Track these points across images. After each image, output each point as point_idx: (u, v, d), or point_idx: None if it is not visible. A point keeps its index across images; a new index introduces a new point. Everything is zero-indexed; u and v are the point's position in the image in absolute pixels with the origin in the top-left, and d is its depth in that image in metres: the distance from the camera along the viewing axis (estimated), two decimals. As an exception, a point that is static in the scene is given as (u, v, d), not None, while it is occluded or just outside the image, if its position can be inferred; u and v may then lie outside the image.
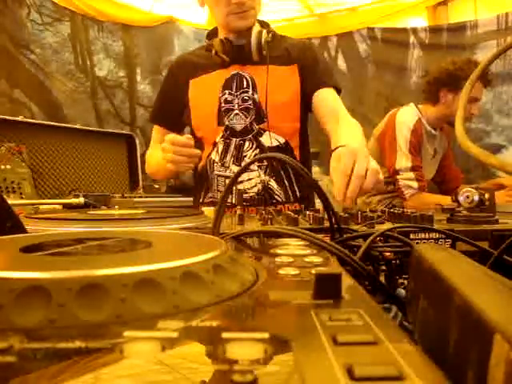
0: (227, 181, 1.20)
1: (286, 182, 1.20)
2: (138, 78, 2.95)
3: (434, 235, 0.49)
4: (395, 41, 3.02)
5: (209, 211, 0.82)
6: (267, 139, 1.17)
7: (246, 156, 1.18)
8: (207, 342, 0.16)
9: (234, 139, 1.19)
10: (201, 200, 1.28)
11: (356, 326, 0.17)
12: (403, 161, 1.76)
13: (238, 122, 1.18)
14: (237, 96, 1.18)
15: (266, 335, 0.16)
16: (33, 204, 1.01)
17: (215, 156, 1.22)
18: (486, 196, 0.63)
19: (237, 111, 1.18)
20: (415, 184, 1.74)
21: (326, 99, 1.15)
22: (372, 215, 0.61)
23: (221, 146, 1.20)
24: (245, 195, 1.17)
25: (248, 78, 1.18)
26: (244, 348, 0.15)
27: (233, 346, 0.15)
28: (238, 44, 1.16)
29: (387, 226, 0.54)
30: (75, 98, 2.67)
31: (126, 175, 2.04)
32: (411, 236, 0.48)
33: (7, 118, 1.65)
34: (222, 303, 0.21)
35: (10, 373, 0.13)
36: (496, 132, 2.72)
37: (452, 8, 2.97)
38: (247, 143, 1.18)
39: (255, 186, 1.17)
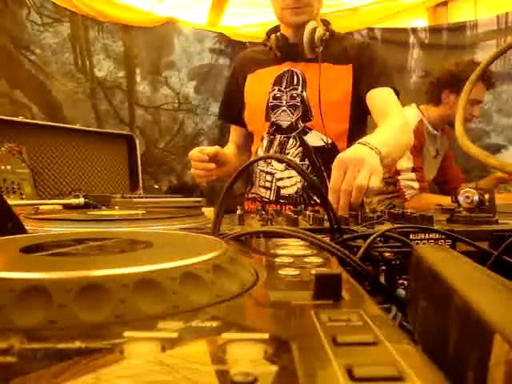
0: (268, 177, 1.20)
1: (327, 183, 1.19)
2: (138, 78, 2.95)
3: (433, 236, 0.49)
4: (395, 41, 3.02)
5: (209, 211, 0.82)
6: (313, 138, 1.16)
7: (288, 153, 1.18)
8: (207, 343, 0.16)
9: (279, 136, 1.19)
10: (246, 196, 1.29)
11: (356, 327, 0.17)
12: (404, 161, 1.76)
13: (285, 118, 1.18)
14: (286, 92, 1.18)
15: (266, 336, 0.16)
16: (33, 204, 1.01)
17: (260, 151, 1.22)
18: (486, 196, 0.64)
19: (284, 108, 1.18)
20: (416, 185, 1.74)
21: (378, 98, 1.12)
22: (372, 215, 0.61)
23: (265, 142, 1.21)
24: (283, 192, 1.17)
25: (299, 74, 1.18)
26: (244, 348, 0.15)
27: (233, 347, 0.15)
28: (294, 41, 1.16)
29: (387, 226, 0.54)
30: (75, 99, 2.67)
31: (126, 175, 2.04)
32: (411, 236, 0.48)
33: (7, 118, 1.65)
34: (222, 303, 0.21)
35: (10, 373, 0.13)
36: (496, 132, 2.72)
37: (452, 8, 2.97)
38: (291, 140, 1.18)
39: (295, 184, 1.17)
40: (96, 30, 2.76)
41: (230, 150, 1.28)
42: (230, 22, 3.13)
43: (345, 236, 0.46)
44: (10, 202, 0.46)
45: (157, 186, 2.65)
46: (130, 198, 1.20)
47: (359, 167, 0.78)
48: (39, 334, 0.16)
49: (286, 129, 1.18)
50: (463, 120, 0.37)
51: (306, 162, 1.17)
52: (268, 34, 1.22)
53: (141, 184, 2.05)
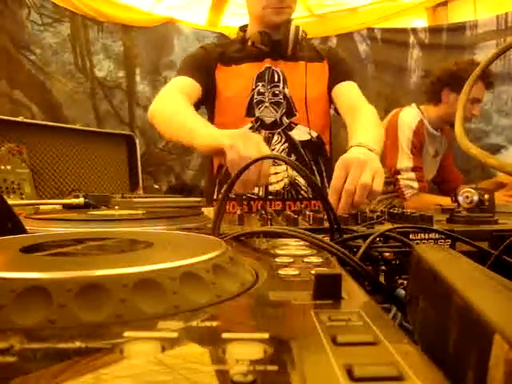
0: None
1: (317, 177, 1.22)
2: (138, 78, 2.95)
3: (433, 235, 0.49)
4: (395, 41, 3.02)
5: (208, 211, 0.82)
6: (299, 133, 1.18)
7: (274, 149, 1.19)
8: (207, 343, 0.16)
9: (263, 131, 1.19)
10: (223, 197, 1.26)
11: (356, 327, 0.17)
12: (404, 161, 1.76)
13: (268, 115, 1.19)
14: (268, 89, 1.20)
15: (265, 335, 0.16)
16: (33, 204, 1.01)
17: None
18: (486, 196, 0.64)
19: (267, 104, 1.19)
20: (416, 184, 1.75)
21: (344, 92, 1.17)
22: (372, 215, 0.61)
23: None
24: (270, 189, 1.16)
25: (279, 72, 1.20)
26: (244, 348, 0.15)
27: (233, 347, 0.15)
28: (275, 38, 1.17)
29: (387, 226, 0.54)
30: (75, 99, 2.67)
31: (126, 175, 2.04)
32: (411, 236, 0.48)
33: (7, 118, 1.65)
34: (222, 303, 0.21)
35: (10, 373, 0.13)
36: (495, 132, 2.72)
37: (452, 8, 2.97)
38: (276, 137, 1.19)
39: (281, 180, 1.17)
40: (96, 30, 2.76)
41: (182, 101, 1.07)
42: (229, 22, 3.13)
43: (344, 236, 0.46)
44: (10, 201, 0.46)
45: (157, 186, 2.65)
46: (130, 197, 1.20)
47: (363, 168, 0.78)
48: (39, 333, 0.16)
49: (269, 125, 1.19)
50: (463, 120, 0.37)
51: (293, 157, 1.18)
52: (242, 30, 1.23)
53: (141, 184, 2.05)
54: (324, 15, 3.18)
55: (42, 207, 0.98)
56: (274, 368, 0.14)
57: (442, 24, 2.94)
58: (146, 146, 2.88)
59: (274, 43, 1.17)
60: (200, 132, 0.87)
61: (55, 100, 2.57)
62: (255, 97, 1.19)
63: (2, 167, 1.46)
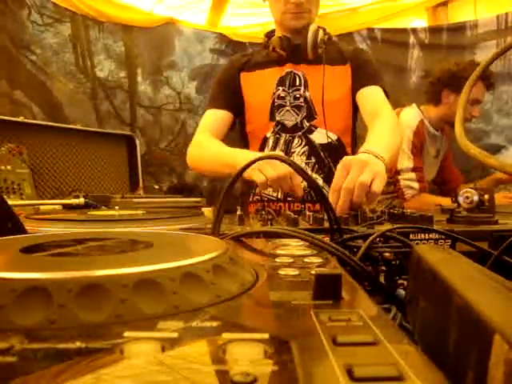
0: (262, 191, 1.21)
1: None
2: (139, 78, 2.95)
3: (433, 236, 0.49)
4: (395, 41, 3.02)
5: (208, 211, 0.82)
6: (319, 136, 1.19)
7: (294, 152, 1.20)
8: (207, 343, 0.16)
9: (284, 135, 1.21)
10: (250, 199, 1.28)
11: (356, 327, 0.17)
12: (405, 161, 1.76)
13: (289, 118, 1.21)
14: (289, 93, 1.21)
15: (266, 336, 0.16)
16: (33, 204, 1.01)
17: (267, 151, 1.23)
18: (486, 197, 0.64)
19: (288, 108, 1.21)
20: (416, 185, 1.75)
21: (368, 96, 1.17)
22: (372, 216, 0.61)
23: (271, 141, 1.22)
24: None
25: (301, 76, 1.22)
26: (244, 348, 0.15)
27: (233, 347, 0.15)
28: (295, 42, 1.19)
29: (387, 226, 0.54)
30: (76, 99, 2.67)
31: (127, 176, 2.04)
32: (411, 236, 0.48)
33: (8, 118, 1.65)
34: (222, 304, 0.21)
35: (10, 373, 0.13)
36: (495, 132, 2.72)
37: (452, 8, 2.97)
38: (296, 140, 1.20)
39: (301, 182, 1.18)
40: (97, 30, 2.76)
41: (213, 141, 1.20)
42: (230, 22, 3.13)
43: (345, 236, 0.46)
44: (10, 202, 0.46)
45: (157, 187, 2.65)
46: (130, 198, 1.20)
47: (363, 168, 0.78)
48: (39, 334, 0.16)
49: (290, 128, 1.21)
50: (463, 120, 0.37)
51: (313, 160, 1.19)
52: (268, 36, 1.25)
53: (141, 184, 2.05)
54: (324, 15, 3.18)
55: (42, 207, 0.98)
56: (274, 368, 0.14)
57: (442, 24, 2.94)
58: (147, 147, 2.88)
59: (294, 47, 1.19)
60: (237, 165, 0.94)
61: (56, 100, 2.57)
62: (276, 101, 1.21)
63: (2, 167, 1.46)
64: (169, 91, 3.02)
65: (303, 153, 1.20)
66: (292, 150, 1.20)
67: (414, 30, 2.96)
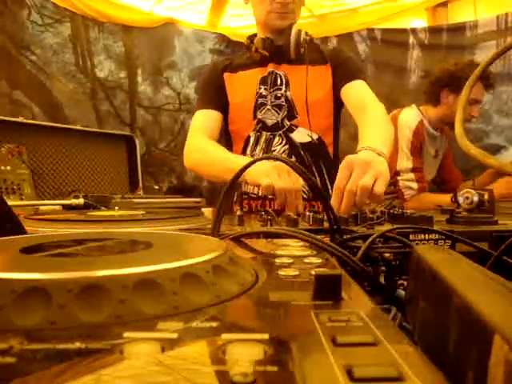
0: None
1: (317, 178, 1.22)
2: (139, 78, 2.95)
3: (433, 236, 0.49)
4: (395, 41, 3.02)
5: (208, 212, 0.82)
6: (299, 135, 1.20)
7: (275, 150, 1.21)
8: (207, 343, 0.16)
9: (265, 133, 1.22)
10: (234, 199, 1.29)
11: (355, 327, 0.17)
12: (404, 162, 1.76)
13: (270, 117, 1.22)
14: (270, 92, 1.23)
15: (265, 336, 0.16)
16: (33, 205, 1.01)
17: (249, 151, 1.25)
18: (486, 197, 0.63)
19: (269, 107, 1.22)
20: (415, 185, 1.75)
21: (353, 91, 1.17)
22: (372, 216, 0.61)
23: (252, 139, 1.24)
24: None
25: (282, 76, 1.23)
26: (244, 349, 0.15)
27: (233, 347, 0.15)
28: (277, 43, 1.21)
29: (387, 226, 0.54)
30: (76, 99, 2.67)
31: (126, 176, 2.04)
32: (411, 237, 0.48)
33: (7, 118, 1.65)
34: (222, 304, 0.21)
35: (10, 374, 0.13)
36: (495, 132, 2.72)
37: (452, 9, 2.97)
38: (277, 138, 1.22)
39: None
40: (97, 31, 2.76)
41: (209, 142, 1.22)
42: (229, 22, 3.13)
43: (344, 236, 0.46)
44: (10, 202, 0.46)
45: (157, 187, 2.65)
46: (130, 198, 1.20)
47: (365, 169, 0.78)
48: (39, 334, 0.16)
49: (271, 127, 1.22)
50: (463, 120, 0.37)
51: (293, 159, 1.20)
52: (250, 39, 1.27)
53: (141, 184, 2.05)
54: (324, 15, 3.18)
55: (41, 208, 0.98)
56: (274, 369, 0.14)
57: (442, 24, 2.94)
58: (147, 147, 2.88)
59: (276, 48, 1.20)
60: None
61: (56, 100, 2.57)
62: (258, 99, 1.23)
63: (2, 168, 1.46)
64: (168, 91, 3.02)
65: (284, 151, 1.21)
66: (273, 149, 1.21)
67: (414, 31, 2.96)
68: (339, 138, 1.31)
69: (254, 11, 1.26)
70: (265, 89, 1.23)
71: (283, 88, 1.22)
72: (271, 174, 0.87)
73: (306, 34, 1.20)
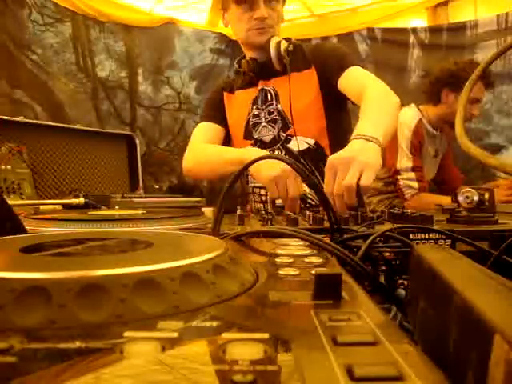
0: (262, 191, 1.22)
1: (321, 183, 1.21)
2: (140, 78, 2.95)
3: (433, 236, 0.49)
4: (395, 41, 3.02)
5: (209, 212, 0.82)
6: (296, 144, 1.20)
7: None
8: (207, 343, 0.16)
9: (264, 150, 1.22)
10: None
11: (356, 327, 0.17)
12: (404, 161, 1.76)
13: (266, 133, 1.24)
14: (263, 110, 1.25)
15: (266, 335, 0.16)
16: (33, 204, 1.01)
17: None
18: (486, 196, 0.63)
19: (264, 124, 1.25)
20: (415, 184, 1.75)
21: (348, 79, 1.14)
22: (372, 215, 0.61)
23: None
24: (278, 203, 1.18)
25: (271, 91, 1.25)
26: (244, 348, 0.15)
27: (233, 347, 0.15)
28: (262, 60, 1.22)
29: (387, 226, 0.54)
30: (77, 99, 2.67)
31: (127, 175, 2.04)
32: (411, 236, 0.48)
33: (7, 118, 1.65)
34: (222, 303, 0.21)
35: (10, 373, 0.13)
36: (496, 132, 2.72)
37: (452, 8, 2.97)
38: (276, 152, 1.23)
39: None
40: (97, 30, 2.76)
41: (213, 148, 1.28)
42: (230, 22, 3.12)
43: (345, 236, 0.46)
44: (10, 201, 0.46)
45: (157, 186, 2.65)
46: (131, 198, 1.20)
47: (347, 167, 0.78)
48: (39, 333, 0.16)
49: (269, 143, 1.24)
50: (463, 120, 0.37)
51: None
52: (238, 63, 1.29)
53: (141, 184, 2.05)
54: (324, 15, 3.18)
55: (41, 207, 0.98)
56: (274, 368, 0.14)
57: (442, 24, 2.94)
58: (147, 146, 2.88)
59: (262, 65, 1.22)
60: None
61: (57, 100, 2.57)
62: (251, 120, 1.26)
63: (2, 167, 1.46)
64: (169, 91, 3.02)
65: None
66: None
67: (414, 30, 2.95)
68: (343, 136, 1.28)
69: (234, 32, 1.27)
70: (257, 108, 1.26)
71: (274, 102, 1.24)
72: (279, 183, 0.91)
73: (291, 41, 1.19)
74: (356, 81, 1.12)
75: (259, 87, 1.27)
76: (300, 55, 1.24)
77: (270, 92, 1.25)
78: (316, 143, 1.22)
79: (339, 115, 1.27)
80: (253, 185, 1.28)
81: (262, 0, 1.16)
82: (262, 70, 1.22)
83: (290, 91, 1.16)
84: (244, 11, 1.18)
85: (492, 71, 1.79)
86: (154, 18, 2.96)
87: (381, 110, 0.97)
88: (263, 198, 1.23)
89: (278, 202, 1.16)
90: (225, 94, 1.33)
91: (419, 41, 2.94)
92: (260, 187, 1.23)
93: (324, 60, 1.20)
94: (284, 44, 1.18)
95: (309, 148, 1.21)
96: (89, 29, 2.72)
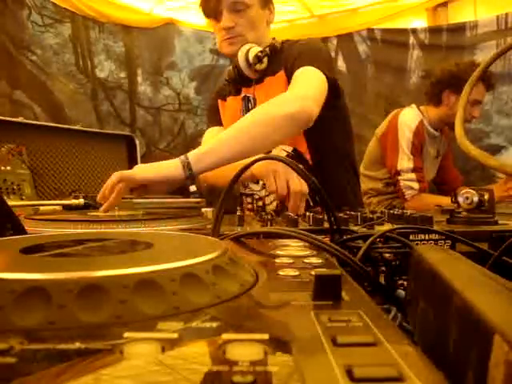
0: (249, 199, 1.25)
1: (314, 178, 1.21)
2: (139, 79, 2.95)
3: (433, 236, 0.49)
4: (395, 41, 3.02)
5: (208, 212, 0.82)
6: (276, 152, 1.17)
7: None
8: (207, 343, 0.16)
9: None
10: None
11: (356, 327, 0.17)
12: (405, 162, 1.76)
13: None
14: None
15: (265, 336, 0.16)
16: (33, 205, 1.01)
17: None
18: (486, 197, 0.63)
19: None
20: (416, 185, 1.75)
21: (292, 81, 1.05)
22: (372, 216, 0.61)
23: None
24: (267, 210, 1.17)
25: (251, 98, 1.24)
26: (244, 349, 0.15)
27: (233, 347, 0.15)
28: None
29: (387, 227, 0.54)
30: (76, 99, 2.67)
31: (127, 176, 2.04)
32: (411, 237, 0.48)
33: (7, 118, 1.65)
34: (222, 304, 0.21)
35: (10, 374, 0.13)
36: (496, 133, 2.72)
37: (452, 9, 2.97)
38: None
39: (274, 200, 1.18)
40: (97, 31, 2.76)
41: None
42: (230, 22, 3.13)
43: (345, 237, 0.46)
44: (10, 202, 0.46)
45: (157, 187, 2.65)
46: (130, 198, 1.20)
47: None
48: (39, 334, 0.16)
49: None
50: (463, 121, 0.37)
51: None
52: (228, 71, 1.28)
53: (141, 184, 2.04)
54: (324, 16, 3.18)
55: (41, 208, 0.98)
56: (274, 369, 0.14)
57: (442, 24, 2.94)
58: (147, 147, 2.88)
59: (240, 74, 1.19)
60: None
61: (57, 101, 2.57)
62: None
63: (2, 168, 1.46)
64: (169, 92, 3.02)
65: None
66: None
67: (414, 31, 2.96)
68: (321, 138, 1.22)
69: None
70: (241, 116, 1.23)
71: None
72: (280, 179, 0.93)
73: (269, 45, 1.15)
74: (291, 83, 1.05)
75: (242, 95, 1.26)
76: (279, 57, 1.17)
77: (250, 100, 1.24)
78: (294, 150, 1.18)
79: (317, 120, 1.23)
80: (241, 191, 1.28)
81: (226, 9, 1.12)
82: (241, 78, 1.20)
83: (253, 97, 1.17)
84: (214, 23, 1.17)
85: (492, 72, 1.78)
86: (153, 18, 2.96)
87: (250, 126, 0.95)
88: (249, 207, 1.24)
89: (273, 207, 1.16)
90: (219, 101, 1.34)
91: (419, 41, 2.94)
92: (247, 194, 1.24)
93: (287, 57, 1.14)
94: (253, 51, 1.13)
95: (288, 155, 1.17)
96: (88, 29, 2.72)
